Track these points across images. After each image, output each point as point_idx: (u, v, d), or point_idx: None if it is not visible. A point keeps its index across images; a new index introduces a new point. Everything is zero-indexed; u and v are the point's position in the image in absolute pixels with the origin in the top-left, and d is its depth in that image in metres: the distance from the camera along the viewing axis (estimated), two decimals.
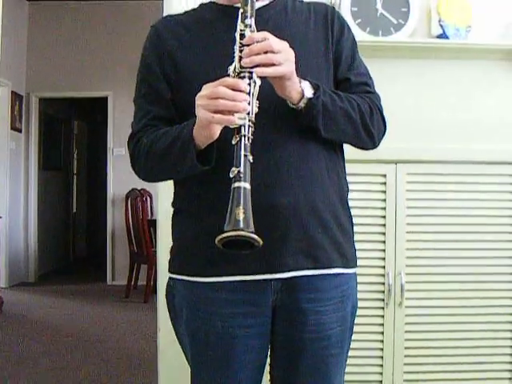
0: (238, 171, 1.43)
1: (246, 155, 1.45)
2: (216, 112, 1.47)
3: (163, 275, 1.80)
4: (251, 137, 1.47)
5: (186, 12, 1.83)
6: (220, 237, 1.39)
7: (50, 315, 6.48)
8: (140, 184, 7.49)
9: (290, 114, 1.63)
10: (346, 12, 3.00)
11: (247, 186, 1.43)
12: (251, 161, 1.45)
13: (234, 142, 1.46)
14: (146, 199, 7.84)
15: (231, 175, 1.43)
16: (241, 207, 1.40)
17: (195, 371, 1.76)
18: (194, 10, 1.84)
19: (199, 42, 1.72)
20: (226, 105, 1.45)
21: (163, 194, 2.74)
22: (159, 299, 2.95)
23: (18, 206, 8.29)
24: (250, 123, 1.47)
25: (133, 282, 7.53)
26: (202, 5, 1.84)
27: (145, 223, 7.16)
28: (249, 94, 1.48)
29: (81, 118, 10.94)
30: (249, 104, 1.47)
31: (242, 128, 1.46)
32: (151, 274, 6.99)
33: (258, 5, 1.70)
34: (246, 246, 1.42)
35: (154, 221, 6.03)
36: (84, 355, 4.97)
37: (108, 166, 8.56)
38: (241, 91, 1.46)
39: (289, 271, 1.65)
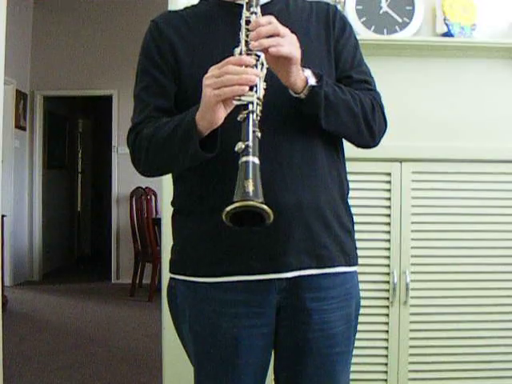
0: (247, 145, 1.38)
1: (254, 131, 1.41)
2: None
3: (168, 274, 1.79)
4: (259, 114, 1.44)
5: (186, 8, 1.83)
6: (228, 209, 1.32)
7: (54, 314, 6.49)
8: (145, 182, 7.51)
9: (292, 115, 1.63)
10: (350, 10, 3.00)
11: (256, 160, 1.37)
12: (259, 138, 1.41)
13: (239, 119, 1.43)
14: (151, 198, 7.85)
15: (236, 149, 1.39)
16: (250, 180, 1.33)
17: (199, 372, 1.76)
18: (194, 5, 1.83)
19: (199, 38, 1.72)
20: (233, 78, 1.43)
21: (168, 192, 2.74)
22: (164, 297, 2.96)
23: (23, 204, 8.30)
24: (258, 101, 1.44)
25: (137, 281, 7.53)
26: (202, 0, 1.83)
27: (149, 222, 7.17)
28: (256, 75, 1.45)
29: (85, 116, 10.94)
30: (256, 85, 1.45)
31: (250, 105, 1.43)
32: (156, 272, 7.00)
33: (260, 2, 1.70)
34: (256, 222, 1.36)
35: (159, 219, 6.04)
36: (89, 353, 4.98)
37: (113, 165, 8.56)
38: (246, 65, 1.45)
39: (293, 271, 1.65)
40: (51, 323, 6.05)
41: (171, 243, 1.80)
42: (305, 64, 1.59)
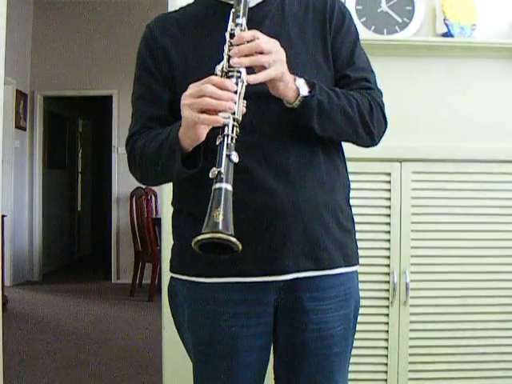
0: (219, 172, 1.38)
1: (228, 155, 1.40)
2: (202, 112, 1.43)
3: (168, 274, 1.79)
4: (235, 137, 1.42)
5: (181, 8, 1.82)
6: (196, 239, 1.35)
7: (54, 314, 6.49)
8: None
9: (289, 117, 1.62)
10: (350, 10, 2.98)
11: (229, 187, 1.38)
12: (235, 161, 1.41)
13: (217, 143, 1.42)
14: (151, 198, 7.85)
15: (211, 176, 1.39)
16: (220, 209, 1.35)
17: (198, 370, 1.75)
18: (189, 5, 1.82)
19: (193, 42, 1.71)
20: (212, 103, 1.42)
21: (168, 192, 2.74)
22: (164, 297, 2.96)
23: (23, 204, 8.30)
24: (235, 123, 1.43)
25: (137, 281, 7.53)
26: (196, 0, 1.82)
27: (149, 222, 7.17)
28: (235, 92, 1.44)
29: (85, 116, 10.95)
30: (235, 103, 1.43)
31: (226, 127, 1.42)
32: (156, 272, 7.00)
33: (254, 2, 1.68)
34: (225, 250, 1.37)
35: (159, 219, 6.03)
36: (89, 353, 4.97)
37: (113, 165, 8.56)
38: (227, 90, 1.43)
39: (290, 273, 1.64)
40: (51, 323, 6.04)
41: (171, 243, 1.80)
42: (301, 67, 1.59)
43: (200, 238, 1.35)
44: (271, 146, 1.62)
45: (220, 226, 1.33)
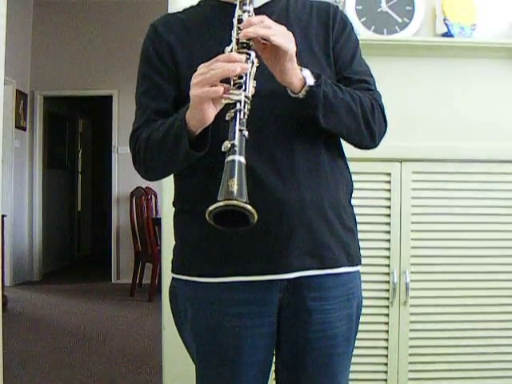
0: (233, 144, 1.37)
1: (241, 130, 1.40)
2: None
3: (168, 274, 1.79)
4: (247, 112, 1.42)
5: (185, 10, 1.83)
6: (211, 208, 1.31)
7: (54, 314, 6.49)
8: (145, 182, 7.50)
9: (293, 115, 1.63)
10: (350, 10, 3.00)
11: (242, 159, 1.36)
12: (247, 137, 1.40)
13: (227, 118, 1.42)
14: (151, 198, 7.85)
15: (223, 149, 1.38)
16: (234, 179, 1.32)
17: (201, 371, 1.75)
18: (192, 7, 1.83)
19: (198, 41, 1.71)
20: (216, 73, 1.43)
21: (168, 192, 2.74)
22: (164, 298, 2.96)
23: (23, 204, 8.30)
24: (247, 99, 1.43)
25: (137, 281, 7.53)
26: (201, 2, 1.83)
27: (149, 222, 7.16)
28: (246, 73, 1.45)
29: (85, 116, 10.95)
30: (245, 83, 1.44)
31: (238, 103, 1.42)
32: (156, 272, 6.99)
33: (259, 2, 1.71)
34: (240, 222, 1.35)
35: (159, 219, 6.04)
36: (89, 353, 4.97)
37: (113, 165, 8.56)
38: (236, 62, 1.44)
39: (294, 271, 1.64)
40: (51, 323, 6.04)
41: (171, 243, 1.80)
42: (303, 65, 1.59)
43: (214, 206, 1.31)
44: (276, 145, 1.63)
45: (235, 194, 1.30)
